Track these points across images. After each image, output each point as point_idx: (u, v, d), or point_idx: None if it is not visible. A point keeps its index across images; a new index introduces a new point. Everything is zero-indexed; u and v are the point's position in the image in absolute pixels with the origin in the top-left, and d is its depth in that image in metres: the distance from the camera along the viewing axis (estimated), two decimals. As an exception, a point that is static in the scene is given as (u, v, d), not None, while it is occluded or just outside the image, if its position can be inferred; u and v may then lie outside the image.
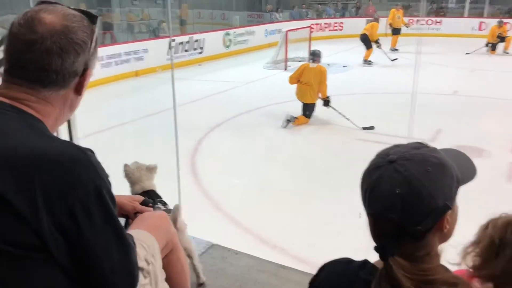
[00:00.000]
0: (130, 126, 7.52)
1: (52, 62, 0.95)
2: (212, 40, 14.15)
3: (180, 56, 13.00)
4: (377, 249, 0.88)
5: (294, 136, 7.12)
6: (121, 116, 8.03)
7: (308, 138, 7.12)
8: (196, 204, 4.81)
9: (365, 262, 0.94)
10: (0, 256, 0.85)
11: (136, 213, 1.49)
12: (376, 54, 13.11)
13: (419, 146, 0.93)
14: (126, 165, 2.17)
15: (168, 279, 1.36)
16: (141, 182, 2.10)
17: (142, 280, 1.19)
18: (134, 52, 11.47)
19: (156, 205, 1.87)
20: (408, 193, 0.84)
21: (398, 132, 6.73)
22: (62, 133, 2.67)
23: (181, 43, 12.99)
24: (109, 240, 0.96)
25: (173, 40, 11.66)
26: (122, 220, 1.52)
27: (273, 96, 9.20)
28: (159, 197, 2.09)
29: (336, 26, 18.98)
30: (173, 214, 1.78)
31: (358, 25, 18.15)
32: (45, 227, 0.86)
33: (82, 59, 1.00)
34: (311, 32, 14.38)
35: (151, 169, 2.16)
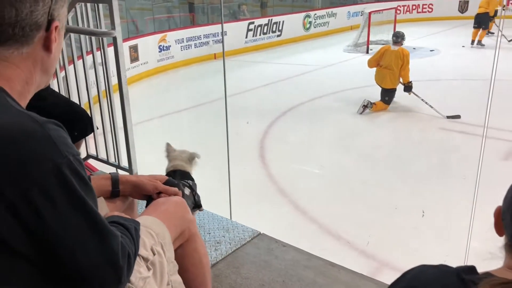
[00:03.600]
0: (203, 108, 7.56)
1: (4, 14, 0.81)
2: (292, 22, 13.87)
3: (258, 39, 12.91)
4: None
5: (371, 123, 6.72)
6: (197, 98, 8.12)
7: (386, 125, 6.68)
8: (260, 188, 4.69)
9: (472, 267, 0.77)
10: None
11: (159, 193, 1.36)
12: (463, 36, 12.08)
13: None
14: (168, 144, 2.16)
15: (183, 271, 1.22)
16: (174, 161, 2.07)
17: (144, 273, 1.05)
18: (213, 34, 11.53)
19: (184, 186, 1.78)
20: None
21: (487, 123, 6.09)
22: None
23: (260, 25, 12.87)
24: (79, 227, 0.81)
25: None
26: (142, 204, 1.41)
27: (352, 80, 8.80)
28: (189, 178, 1.99)
29: (425, 7, 17.76)
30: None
31: (449, 6, 16.96)
32: None
33: (42, 8, 0.84)
34: (396, 13, 13.58)
35: (191, 157, 2.12)
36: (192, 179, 2.02)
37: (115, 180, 1.35)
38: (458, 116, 6.44)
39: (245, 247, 2.13)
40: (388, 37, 11.82)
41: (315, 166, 5.25)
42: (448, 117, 6.46)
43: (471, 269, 0.76)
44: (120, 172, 2.63)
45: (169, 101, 8.42)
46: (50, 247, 0.78)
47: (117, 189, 1.34)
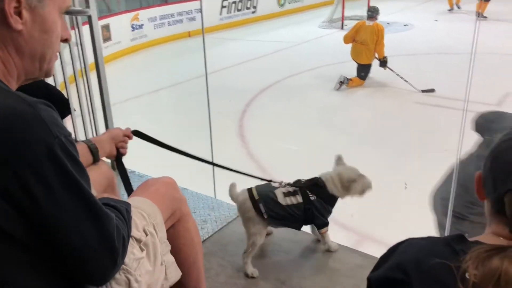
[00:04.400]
0: (179, 87, 7.48)
1: None
2: (266, -2, 13.74)
3: (233, 16, 12.75)
4: None
5: (347, 99, 6.78)
6: (172, 77, 8.01)
7: (362, 101, 6.75)
8: (241, 167, 4.69)
9: (461, 236, 0.78)
10: None
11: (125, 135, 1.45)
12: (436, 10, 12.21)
13: None
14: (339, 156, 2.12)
15: (175, 251, 1.22)
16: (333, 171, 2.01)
17: (138, 254, 1.04)
18: (187, 12, 11.34)
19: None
20: None
21: (460, 96, 6.19)
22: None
23: (234, 2, 12.70)
24: (74, 209, 0.80)
25: None
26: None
27: (327, 56, 8.81)
28: (324, 198, 1.93)
29: (399, -18, 17.79)
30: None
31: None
32: None
33: None
34: (370, -12, 13.59)
35: (351, 179, 1.98)
36: (327, 201, 1.93)
37: (91, 145, 1.36)
38: (432, 90, 6.55)
39: (231, 225, 2.14)
40: (363, 12, 11.83)
41: (294, 143, 5.28)
42: (423, 91, 6.56)
43: (460, 238, 0.77)
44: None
45: (144, 81, 8.28)
46: (45, 231, 0.77)
47: (97, 152, 1.36)
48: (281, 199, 1.84)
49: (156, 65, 9.63)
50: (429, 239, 0.80)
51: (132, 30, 10.01)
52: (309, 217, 1.89)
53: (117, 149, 1.44)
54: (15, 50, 0.85)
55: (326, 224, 1.94)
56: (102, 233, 0.84)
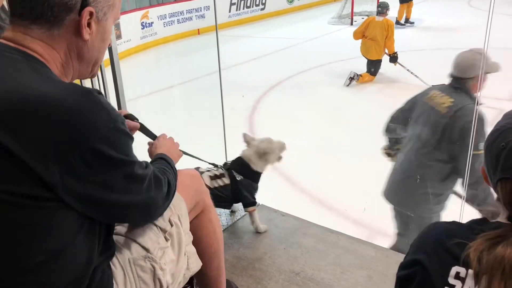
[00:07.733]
0: (190, 84, 7.54)
1: None
2: (275, -5, 13.74)
3: (242, 13, 12.78)
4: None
5: (357, 95, 6.78)
6: (182, 75, 8.07)
7: (373, 97, 6.75)
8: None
9: (484, 219, 0.81)
10: (11, 207, 0.80)
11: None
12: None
13: None
14: (244, 134, 2.17)
15: (198, 242, 1.26)
16: (247, 150, 2.11)
17: (163, 243, 1.09)
18: (196, 9, 11.39)
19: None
20: None
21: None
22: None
23: (243, -1, 12.74)
24: (127, 179, 0.90)
25: None
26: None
27: (337, 52, 8.81)
28: (247, 176, 2.04)
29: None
30: None
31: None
32: (57, 178, 0.79)
33: None
34: (380, -16, 13.53)
35: (264, 151, 2.08)
36: (252, 179, 2.04)
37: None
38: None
39: (245, 217, 2.18)
40: (372, 8, 11.80)
41: (304, 139, 5.31)
42: (433, 86, 6.53)
43: (483, 220, 0.81)
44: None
45: (156, 78, 8.36)
46: (103, 203, 0.88)
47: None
48: (208, 182, 1.93)
49: (167, 62, 9.71)
50: (453, 222, 0.84)
51: (142, 28, 10.08)
52: (237, 197, 2.00)
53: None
54: (77, 55, 0.94)
55: (254, 203, 2.04)
56: (155, 195, 0.99)
